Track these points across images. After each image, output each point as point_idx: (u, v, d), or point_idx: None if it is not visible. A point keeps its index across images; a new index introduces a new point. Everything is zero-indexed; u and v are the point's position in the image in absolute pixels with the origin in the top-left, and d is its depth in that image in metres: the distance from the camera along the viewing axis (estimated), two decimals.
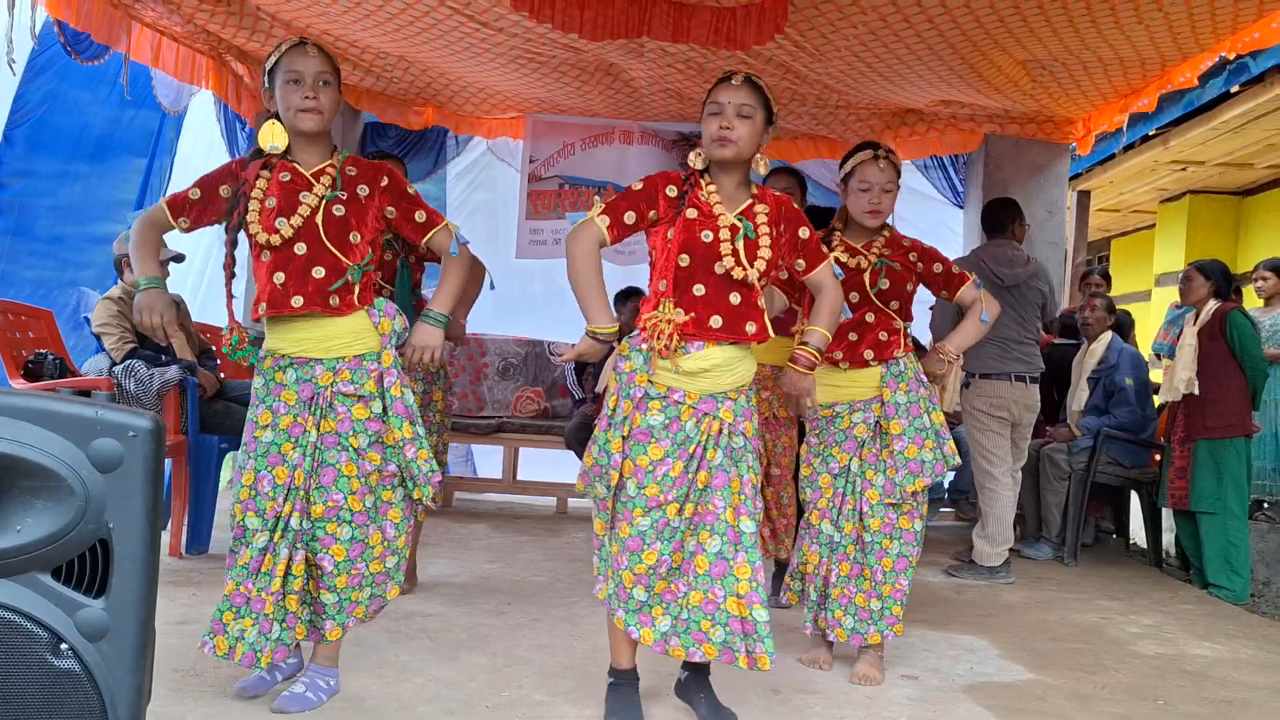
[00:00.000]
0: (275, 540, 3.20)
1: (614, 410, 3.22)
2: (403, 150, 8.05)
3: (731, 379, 3.22)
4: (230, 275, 3.41)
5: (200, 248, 5.81)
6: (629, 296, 6.69)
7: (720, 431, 3.20)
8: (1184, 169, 10.73)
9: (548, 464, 7.81)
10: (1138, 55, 5.95)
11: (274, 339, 3.27)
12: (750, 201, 3.30)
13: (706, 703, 3.32)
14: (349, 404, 3.23)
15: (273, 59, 3.25)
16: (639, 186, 3.26)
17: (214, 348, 6.11)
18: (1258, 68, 7.39)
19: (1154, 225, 12.96)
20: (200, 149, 7.05)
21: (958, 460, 3.99)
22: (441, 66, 6.96)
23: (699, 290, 3.17)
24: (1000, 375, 5.97)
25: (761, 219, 3.26)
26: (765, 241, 3.23)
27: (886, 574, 3.86)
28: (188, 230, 3.38)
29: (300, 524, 3.22)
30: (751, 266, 3.18)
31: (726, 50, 5.63)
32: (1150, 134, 9.31)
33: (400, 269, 4.99)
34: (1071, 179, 10.47)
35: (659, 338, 3.14)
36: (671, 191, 3.25)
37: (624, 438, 3.19)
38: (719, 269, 3.16)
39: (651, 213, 3.24)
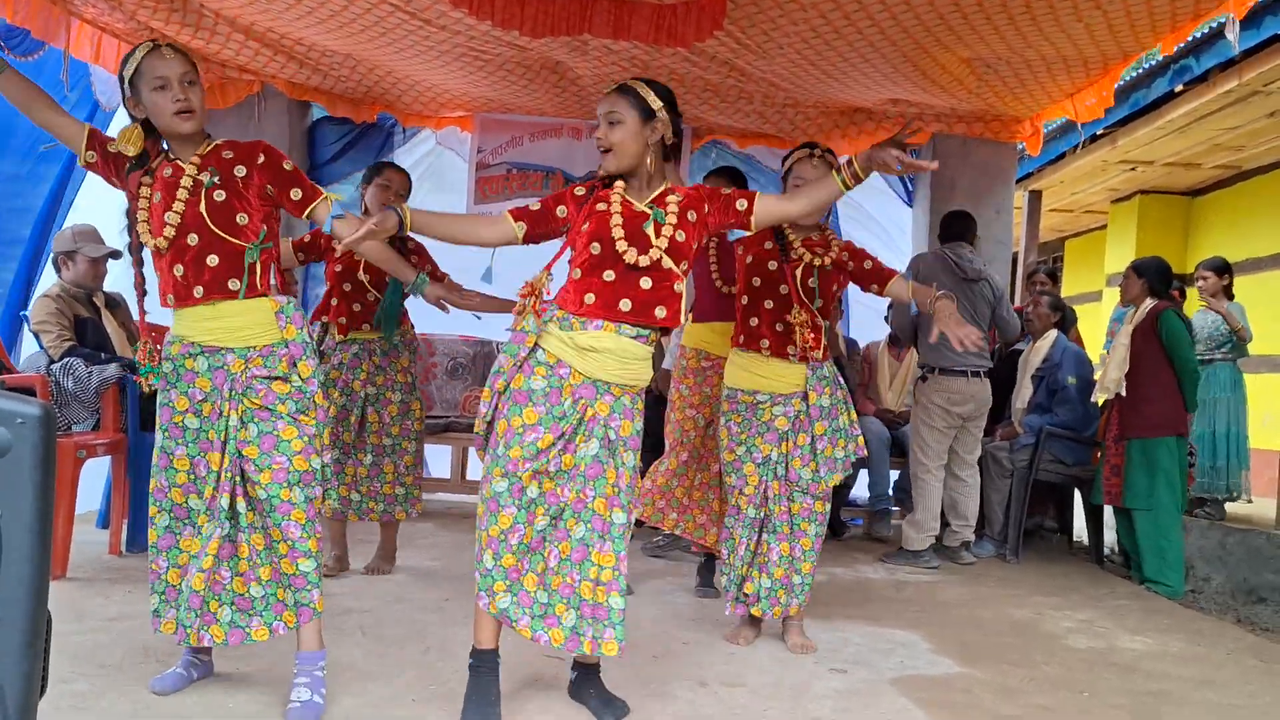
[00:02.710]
0: (215, 523, 3.19)
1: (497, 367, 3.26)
2: (350, 137, 8.04)
3: (620, 372, 3.21)
4: (141, 294, 3.42)
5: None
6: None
7: (594, 419, 3.20)
8: (1134, 169, 10.81)
9: None
10: (1079, 54, 6.01)
11: (182, 326, 3.28)
12: (663, 190, 3.32)
13: (597, 696, 3.35)
14: (267, 384, 3.23)
15: (131, 66, 3.24)
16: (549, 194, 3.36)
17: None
18: (1200, 67, 7.45)
19: (1106, 225, 13.04)
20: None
21: (863, 452, 4.27)
22: (389, 65, 6.93)
23: (609, 276, 3.19)
24: (959, 371, 6.12)
25: (673, 206, 3.28)
26: (672, 223, 3.23)
27: (805, 552, 4.17)
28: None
29: (246, 506, 3.21)
30: (660, 250, 3.19)
31: (669, 48, 5.63)
32: (1098, 134, 9.37)
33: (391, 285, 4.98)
34: (1023, 179, 10.54)
35: (523, 298, 3.22)
36: (579, 191, 3.32)
37: (500, 392, 3.21)
38: (628, 256, 3.17)
39: (560, 208, 3.29)
